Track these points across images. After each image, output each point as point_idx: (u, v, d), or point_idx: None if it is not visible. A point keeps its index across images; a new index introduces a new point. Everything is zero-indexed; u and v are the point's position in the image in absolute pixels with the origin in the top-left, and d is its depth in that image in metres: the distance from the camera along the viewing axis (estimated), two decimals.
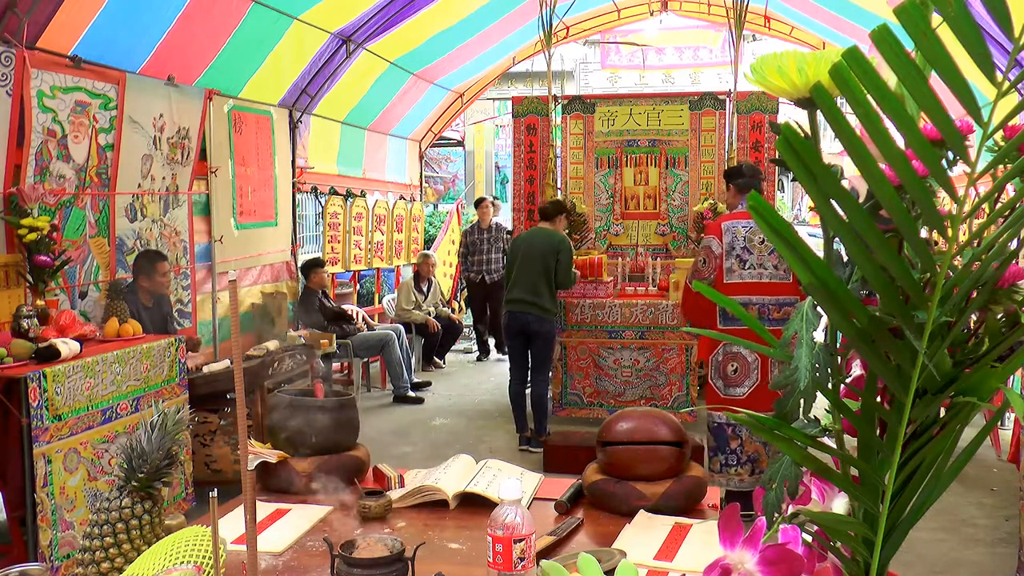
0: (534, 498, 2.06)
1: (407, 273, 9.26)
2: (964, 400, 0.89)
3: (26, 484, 3.38)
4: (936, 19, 0.76)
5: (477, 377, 8.62)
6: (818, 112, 0.87)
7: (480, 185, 16.90)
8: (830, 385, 0.96)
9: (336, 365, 7.58)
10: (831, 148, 6.95)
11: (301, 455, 2.15)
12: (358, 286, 8.94)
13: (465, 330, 9.90)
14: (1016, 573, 3.61)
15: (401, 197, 9.31)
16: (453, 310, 9.49)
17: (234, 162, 6.17)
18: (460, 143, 15.97)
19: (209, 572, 1.38)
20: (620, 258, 6.95)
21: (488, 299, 9.16)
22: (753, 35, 11.06)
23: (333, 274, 7.86)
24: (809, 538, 1.00)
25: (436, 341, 8.80)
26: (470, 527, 1.88)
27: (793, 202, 21.09)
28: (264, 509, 1.97)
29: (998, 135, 0.85)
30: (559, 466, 5.05)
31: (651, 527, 1.83)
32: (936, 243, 0.90)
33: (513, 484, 1.49)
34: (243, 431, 1.30)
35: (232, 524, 1.87)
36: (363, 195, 8.26)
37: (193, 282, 5.77)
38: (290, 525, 1.91)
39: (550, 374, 6.07)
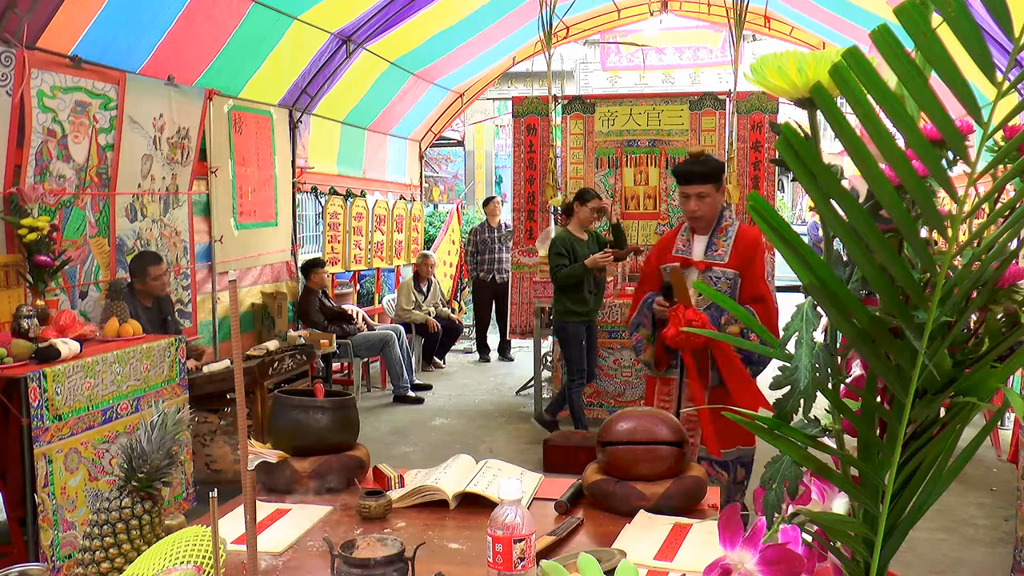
0: (534, 498, 2.06)
1: (407, 273, 9.27)
2: (964, 400, 0.89)
3: (26, 484, 3.38)
4: (936, 19, 0.76)
5: (477, 377, 8.62)
6: (818, 112, 0.87)
7: (480, 185, 16.91)
8: (830, 385, 0.96)
9: (336, 365, 7.58)
10: (831, 148, 6.96)
11: (301, 455, 2.15)
12: (358, 286, 8.94)
13: (465, 330, 9.91)
14: (1011, 573, 3.61)
15: (401, 197, 9.31)
16: (453, 310, 9.49)
17: (234, 162, 6.17)
18: (460, 143, 15.96)
19: (209, 572, 1.38)
20: None
21: (496, 299, 9.15)
22: (753, 35, 11.05)
23: (333, 274, 7.86)
24: (809, 538, 1.00)
25: (436, 341, 8.80)
26: (470, 527, 1.88)
27: (793, 202, 21.08)
28: (264, 509, 1.97)
29: (998, 135, 0.85)
30: (559, 466, 5.06)
31: (651, 527, 1.83)
32: (936, 243, 0.90)
33: (513, 484, 1.49)
34: (243, 431, 1.30)
35: (232, 524, 1.87)
36: (363, 195, 8.26)
37: (193, 282, 5.77)
38: (290, 525, 1.90)
39: (578, 373, 6.02)
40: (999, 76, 0.77)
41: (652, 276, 3.60)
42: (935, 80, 0.79)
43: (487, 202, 9.45)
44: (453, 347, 9.45)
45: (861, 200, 0.91)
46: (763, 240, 3.47)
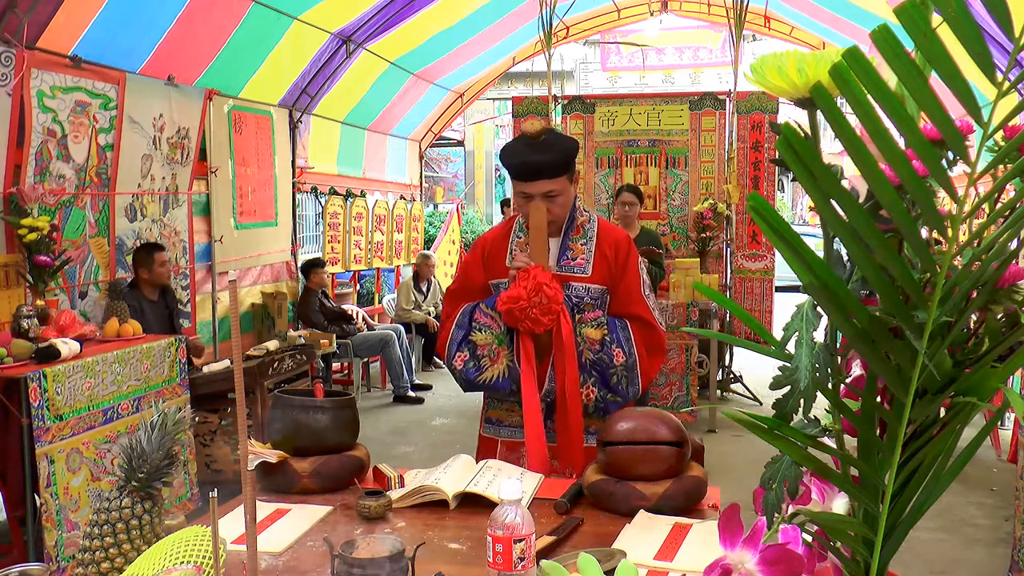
0: (534, 498, 2.06)
1: (407, 273, 9.27)
2: (964, 400, 0.89)
3: (26, 484, 3.38)
4: (936, 19, 0.76)
5: None
6: (818, 112, 0.87)
7: (480, 185, 16.93)
8: (830, 385, 0.95)
9: (336, 365, 7.58)
10: (831, 148, 6.96)
11: (301, 455, 2.15)
12: (358, 286, 8.94)
13: None
14: (1009, 573, 3.61)
15: (401, 197, 9.32)
16: None
17: (234, 162, 6.18)
18: (460, 143, 15.97)
19: (209, 572, 1.38)
20: None
21: None
22: (753, 35, 11.07)
23: (333, 274, 7.86)
24: (809, 538, 1.00)
25: (436, 341, 8.80)
26: (470, 527, 1.88)
27: (793, 202, 21.08)
28: (264, 509, 1.97)
29: (998, 135, 0.85)
30: None
31: (651, 527, 1.83)
32: (939, 244, 0.90)
33: (513, 484, 1.49)
34: (243, 431, 1.30)
35: (232, 524, 1.87)
36: (363, 195, 8.26)
37: (193, 282, 5.77)
38: (290, 525, 1.90)
39: None
40: (999, 76, 0.77)
41: (470, 291, 2.55)
42: (935, 80, 0.79)
43: (508, 203, 9.65)
44: None
45: (861, 200, 0.91)
46: (633, 244, 2.53)
